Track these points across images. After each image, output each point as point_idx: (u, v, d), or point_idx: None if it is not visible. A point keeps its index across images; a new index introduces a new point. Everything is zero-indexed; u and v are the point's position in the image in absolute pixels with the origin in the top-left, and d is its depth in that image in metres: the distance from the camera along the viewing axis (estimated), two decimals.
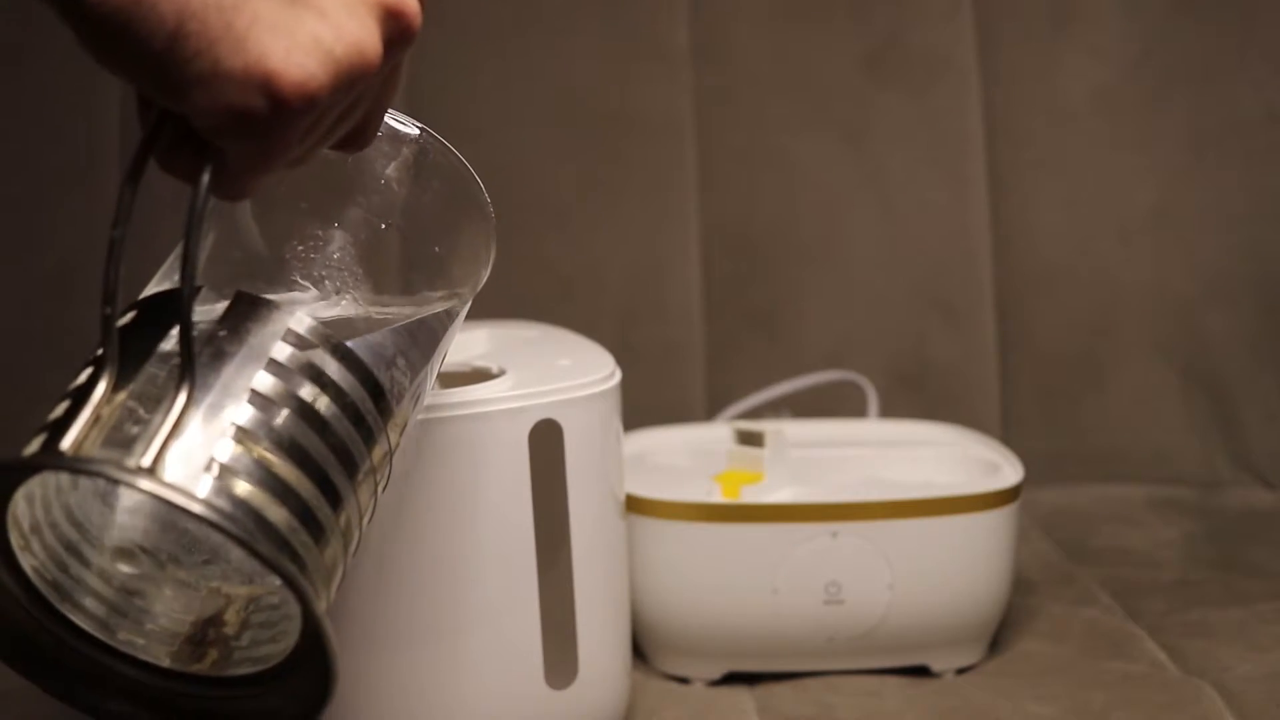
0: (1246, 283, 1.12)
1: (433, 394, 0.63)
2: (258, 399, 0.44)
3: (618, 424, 0.68)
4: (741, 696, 0.74)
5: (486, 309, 1.16)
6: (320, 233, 0.53)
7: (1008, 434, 1.13)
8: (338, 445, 0.46)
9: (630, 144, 1.16)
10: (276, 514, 0.43)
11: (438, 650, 0.63)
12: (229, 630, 0.49)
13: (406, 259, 0.56)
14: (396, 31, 0.45)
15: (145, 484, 0.40)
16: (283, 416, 0.45)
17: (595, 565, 0.65)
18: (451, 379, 0.68)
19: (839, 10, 1.16)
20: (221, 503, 0.42)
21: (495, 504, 0.62)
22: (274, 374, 0.45)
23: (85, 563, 0.48)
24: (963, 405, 1.13)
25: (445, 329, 0.55)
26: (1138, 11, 1.13)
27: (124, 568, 0.48)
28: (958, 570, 0.75)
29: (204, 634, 0.49)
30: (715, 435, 0.86)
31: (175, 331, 0.44)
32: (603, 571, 0.66)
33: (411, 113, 0.57)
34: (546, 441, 0.62)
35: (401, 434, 0.51)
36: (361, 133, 0.48)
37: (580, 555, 0.64)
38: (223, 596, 0.49)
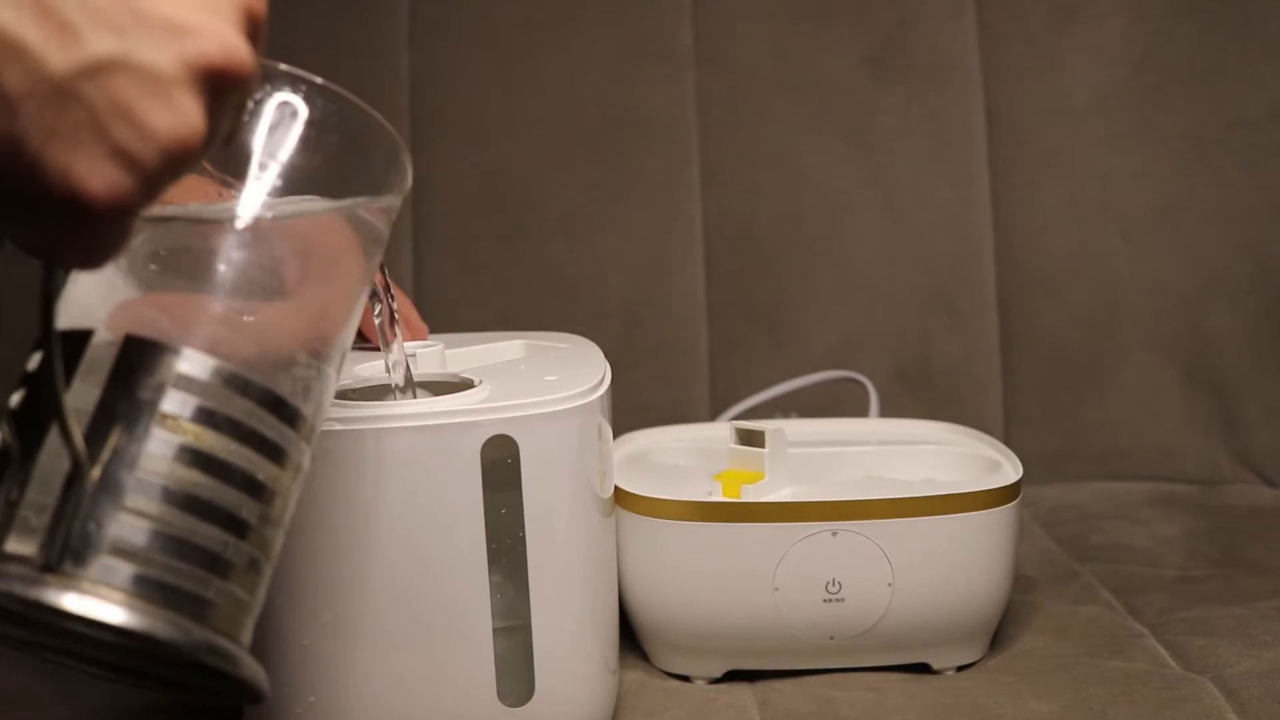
0: (1248, 281, 1.12)
1: (392, 404, 0.64)
2: (151, 460, 0.44)
3: (594, 437, 0.67)
4: (742, 695, 0.74)
5: (491, 309, 1.17)
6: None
7: (1010, 432, 1.13)
8: (241, 479, 0.47)
9: (634, 145, 1.17)
10: (181, 576, 0.44)
11: (387, 665, 0.63)
12: None
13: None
14: (224, 84, 0.41)
15: (47, 600, 0.42)
16: (179, 470, 0.45)
17: (558, 581, 0.65)
18: (433, 389, 0.69)
19: (841, 10, 1.16)
20: (123, 583, 0.43)
21: (447, 518, 0.62)
22: (165, 429, 0.45)
23: None
24: (965, 404, 1.13)
25: (368, 255, 0.55)
26: (1140, 11, 1.13)
27: None
28: (958, 568, 0.75)
29: None
30: (716, 435, 0.86)
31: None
32: (570, 585, 0.66)
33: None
34: (503, 456, 0.62)
35: (320, 408, 0.51)
36: (226, 140, 0.46)
37: (539, 572, 0.64)
38: None
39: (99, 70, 0.39)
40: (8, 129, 0.38)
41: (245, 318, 0.49)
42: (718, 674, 0.76)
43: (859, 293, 1.15)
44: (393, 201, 0.56)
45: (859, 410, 1.02)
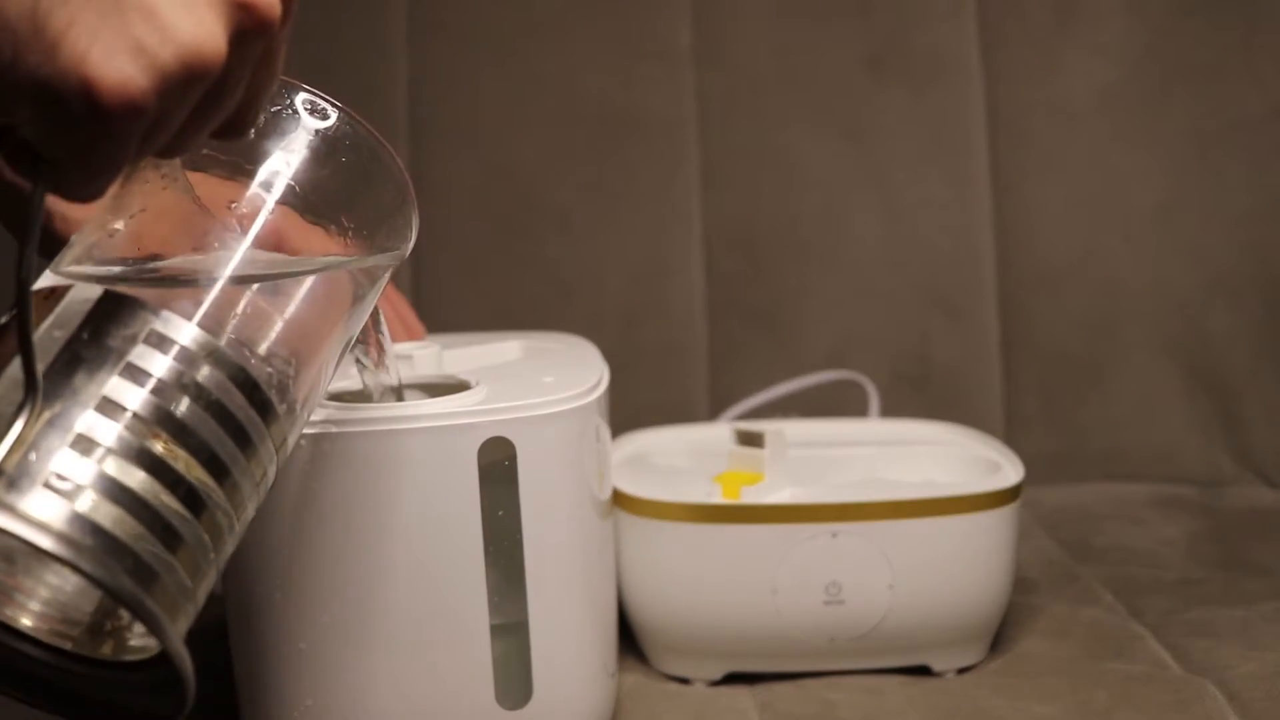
0: (1249, 281, 1.12)
1: (389, 406, 0.63)
2: (111, 407, 0.43)
3: (592, 438, 0.66)
4: (742, 697, 0.74)
5: (488, 309, 1.16)
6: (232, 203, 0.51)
7: (1010, 433, 1.13)
8: (199, 448, 0.45)
9: (633, 145, 1.17)
10: (122, 526, 0.42)
11: (384, 668, 0.63)
12: (123, 621, 0.48)
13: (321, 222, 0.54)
14: (248, 23, 0.43)
15: None
16: (139, 427, 0.44)
17: (557, 582, 0.64)
18: (430, 391, 0.68)
19: (841, 9, 1.16)
20: (56, 521, 0.41)
21: (444, 521, 0.61)
22: (129, 379, 0.44)
23: None
24: (965, 404, 1.13)
25: (365, 291, 0.54)
26: (1140, 9, 1.13)
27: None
28: (959, 570, 0.74)
29: (101, 624, 0.49)
30: (716, 436, 0.86)
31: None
32: (568, 588, 0.65)
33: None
34: (500, 458, 0.62)
35: (297, 417, 0.50)
36: (239, 122, 0.47)
37: (537, 574, 0.63)
38: None
39: None
40: (33, 5, 0.39)
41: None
42: (717, 676, 0.76)
43: (859, 293, 1.15)
44: (393, 260, 0.56)
45: (859, 411, 1.01)
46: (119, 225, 0.51)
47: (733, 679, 0.76)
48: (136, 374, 0.44)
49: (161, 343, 0.45)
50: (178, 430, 0.45)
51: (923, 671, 0.76)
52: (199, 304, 0.47)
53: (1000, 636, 0.79)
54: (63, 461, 0.42)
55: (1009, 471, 0.78)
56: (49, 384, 0.43)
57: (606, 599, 0.70)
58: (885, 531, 0.73)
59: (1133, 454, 1.12)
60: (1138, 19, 1.13)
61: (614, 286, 1.16)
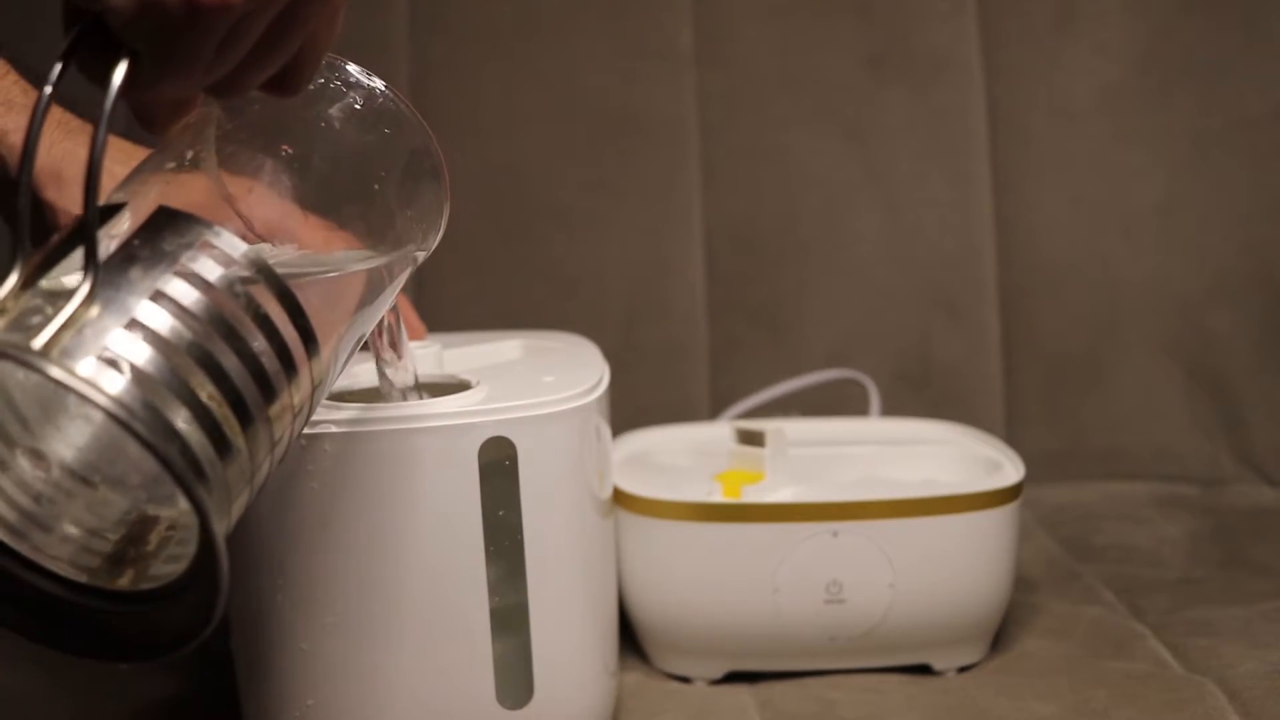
0: (1250, 280, 1.12)
1: (390, 406, 0.63)
2: (164, 300, 0.44)
3: (592, 438, 0.66)
4: (742, 696, 0.74)
5: (489, 308, 1.16)
6: (267, 173, 0.52)
7: (1011, 432, 1.12)
8: (249, 357, 0.45)
9: (634, 144, 1.17)
10: (174, 410, 0.42)
11: (386, 667, 0.63)
12: (149, 549, 0.48)
13: (353, 207, 0.55)
14: None
15: (34, 361, 0.40)
16: (189, 322, 0.44)
17: (558, 581, 0.64)
18: (431, 390, 0.68)
19: (842, 9, 1.16)
20: (111, 387, 0.41)
21: (445, 520, 0.61)
22: (184, 279, 0.45)
23: (4, 467, 0.47)
24: (966, 403, 1.13)
25: (384, 286, 0.55)
26: (1142, 8, 1.13)
27: (39, 473, 0.48)
28: (959, 569, 0.75)
29: (124, 553, 0.49)
30: (716, 435, 0.86)
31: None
32: (569, 587, 0.65)
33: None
34: (501, 458, 0.62)
35: (324, 377, 0.51)
36: (294, 74, 0.48)
37: (538, 573, 0.63)
38: (150, 518, 0.49)
39: None
40: None
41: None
42: (718, 675, 0.76)
43: (859, 292, 1.15)
44: (423, 252, 0.56)
45: (860, 410, 1.01)
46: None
47: (733, 678, 0.76)
48: (190, 276, 0.45)
49: (214, 252, 0.46)
50: (228, 333, 0.45)
51: (923, 670, 0.76)
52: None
53: (1001, 635, 0.79)
54: (117, 340, 0.42)
55: (1009, 471, 0.78)
56: (106, 273, 0.43)
57: (607, 598, 0.70)
58: (886, 530, 0.73)
59: (1133, 453, 1.12)
60: (1138, 18, 1.13)
61: (615, 286, 1.16)
